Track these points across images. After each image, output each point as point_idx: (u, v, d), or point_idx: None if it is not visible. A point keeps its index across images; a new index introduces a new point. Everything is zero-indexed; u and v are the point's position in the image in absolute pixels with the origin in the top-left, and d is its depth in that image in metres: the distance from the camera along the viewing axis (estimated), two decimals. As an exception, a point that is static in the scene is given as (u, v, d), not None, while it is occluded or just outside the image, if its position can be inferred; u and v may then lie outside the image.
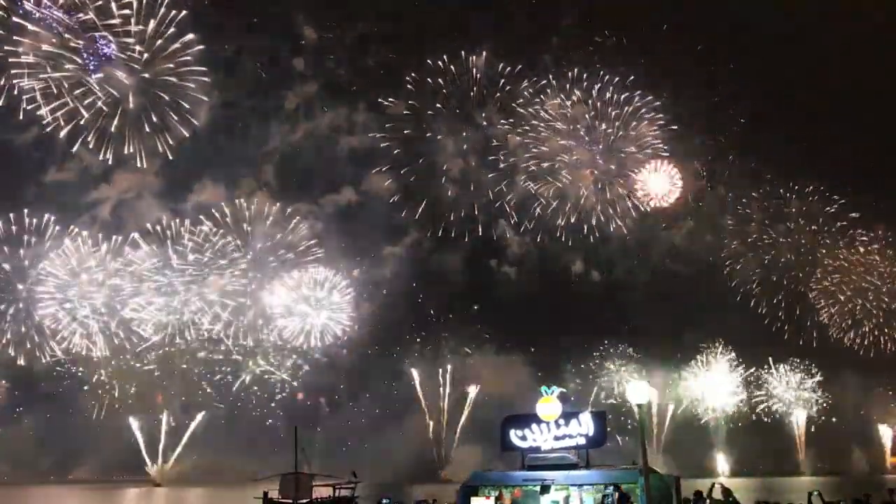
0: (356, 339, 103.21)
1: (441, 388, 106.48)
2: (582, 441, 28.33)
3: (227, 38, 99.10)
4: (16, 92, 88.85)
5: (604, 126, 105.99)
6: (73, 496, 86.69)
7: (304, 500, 44.81)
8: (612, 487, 25.63)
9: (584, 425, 28.36)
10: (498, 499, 27.61)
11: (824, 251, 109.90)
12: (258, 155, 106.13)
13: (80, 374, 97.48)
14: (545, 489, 26.62)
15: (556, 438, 28.54)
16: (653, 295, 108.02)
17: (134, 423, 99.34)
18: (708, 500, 25.36)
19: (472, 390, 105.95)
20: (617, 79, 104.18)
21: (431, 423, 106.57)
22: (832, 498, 25.31)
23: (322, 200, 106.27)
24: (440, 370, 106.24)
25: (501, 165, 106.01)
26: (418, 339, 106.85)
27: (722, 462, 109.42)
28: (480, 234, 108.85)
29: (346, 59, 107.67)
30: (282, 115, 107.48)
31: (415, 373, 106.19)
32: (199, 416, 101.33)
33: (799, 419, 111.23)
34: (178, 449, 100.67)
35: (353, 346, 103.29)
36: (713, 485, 25.70)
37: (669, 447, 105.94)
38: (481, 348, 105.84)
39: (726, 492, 25.13)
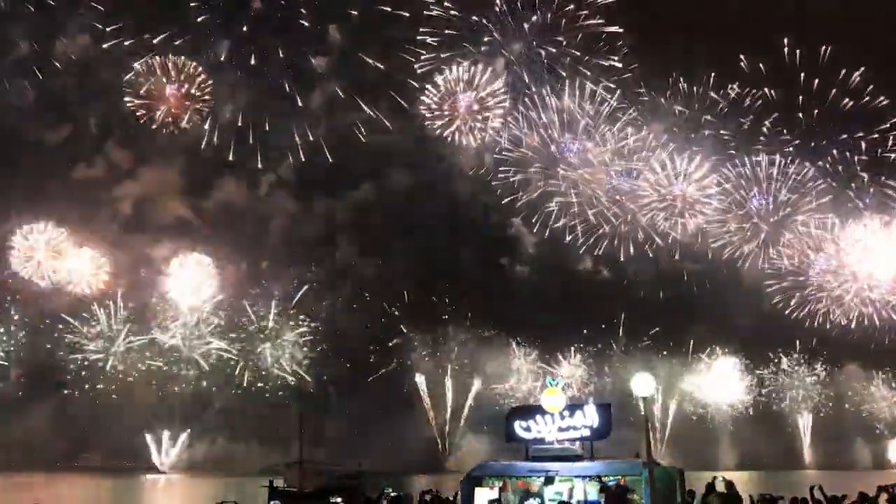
0: (364, 329, 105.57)
1: (447, 381, 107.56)
2: (587, 433, 28.40)
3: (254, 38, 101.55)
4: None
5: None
6: (77, 484, 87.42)
7: (310, 489, 45.14)
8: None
9: (589, 417, 28.43)
10: (502, 489, 27.70)
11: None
12: (278, 152, 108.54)
13: (89, 363, 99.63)
14: (549, 480, 26.67)
15: (561, 430, 28.61)
16: (660, 291, 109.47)
17: (142, 411, 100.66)
18: (712, 494, 25.47)
19: (476, 383, 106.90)
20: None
21: (437, 415, 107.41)
22: (836, 492, 25.37)
23: (341, 196, 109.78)
24: (446, 363, 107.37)
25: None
26: (427, 332, 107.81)
27: (726, 455, 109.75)
28: (494, 231, 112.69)
29: (370, 62, 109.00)
30: (304, 113, 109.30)
31: (420, 365, 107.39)
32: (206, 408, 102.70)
33: (803, 413, 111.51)
34: (184, 437, 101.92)
35: (362, 335, 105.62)
36: (715, 478, 25.81)
37: (673, 440, 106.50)
38: (490, 341, 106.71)
39: (729, 485, 25.25)
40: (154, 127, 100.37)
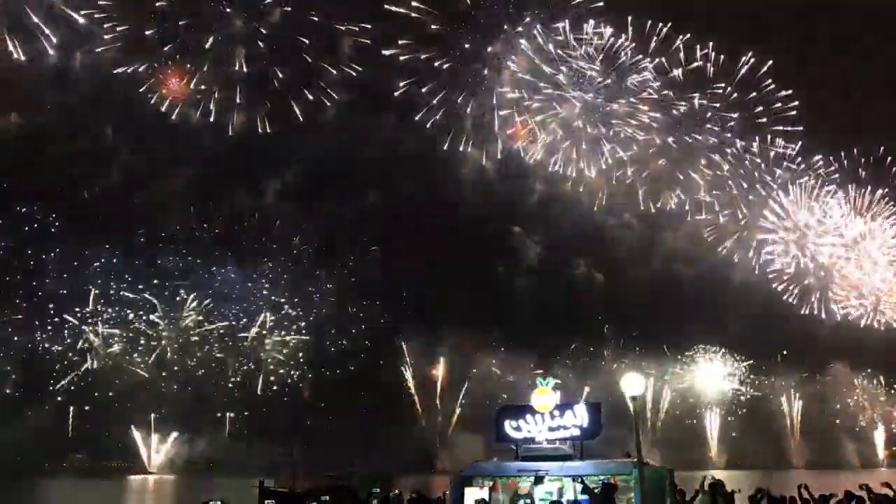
0: (361, 331, 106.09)
1: (438, 382, 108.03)
2: (576, 432, 28.41)
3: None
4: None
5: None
6: (65, 486, 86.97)
7: (300, 490, 45.08)
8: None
9: (579, 416, 28.44)
10: (492, 490, 27.65)
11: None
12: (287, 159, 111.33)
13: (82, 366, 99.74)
14: (539, 480, 26.65)
15: (551, 429, 28.60)
16: (654, 294, 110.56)
17: (130, 413, 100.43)
18: (700, 495, 25.49)
19: (467, 383, 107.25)
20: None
21: (427, 416, 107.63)
22: (823, 491, 25.49)
23: (348, 202, 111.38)
24: (439, 364, 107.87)
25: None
26: (422, 334, 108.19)
27: (715, 455, 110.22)
28: (493, 237, 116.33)
29: (381, 73, 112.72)
30: (315, 122, 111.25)
31: (410, 367, 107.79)
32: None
33: (792, 412, 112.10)
34: (173, 437, 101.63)
35: (357, 337, 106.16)
36: (704, 478, 25.84)
37: (664, 439, 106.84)
38: (484, 343, 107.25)
39: (718, 483, 25.30)
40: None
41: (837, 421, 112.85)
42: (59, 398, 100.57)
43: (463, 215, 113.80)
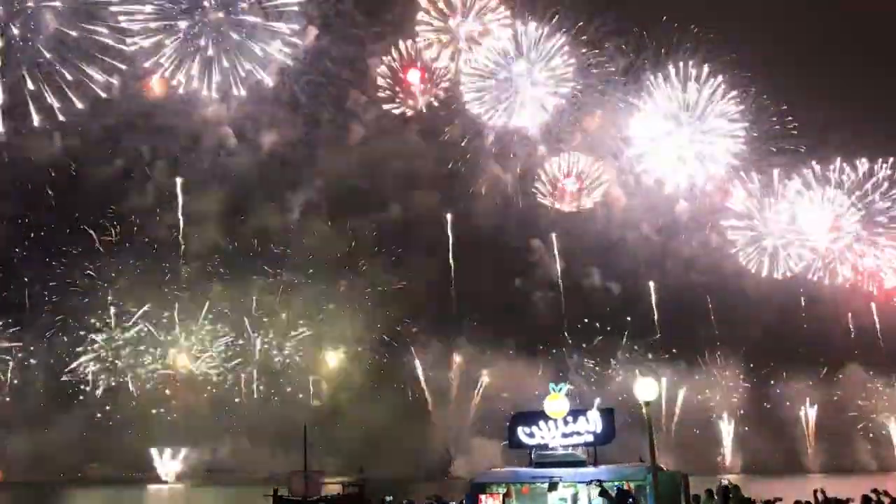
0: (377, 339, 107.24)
1: (451, 388, 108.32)
2: (590, 438, 28.45)
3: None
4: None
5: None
6: (82, 496, 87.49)
7: (314, 498, 45.27)
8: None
9: (592, 422, 28.48)
10: (506, 496, 27.70)
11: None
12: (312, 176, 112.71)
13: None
14: (553, 486, 26.68)
15: (564, 435, 28.67)
16: (668, 302, 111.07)
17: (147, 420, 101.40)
18: (717, 497, 25.46)
19: (481, 386, 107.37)
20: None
21: (442, 422, 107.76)
22: (840, 495, 25.40)
23: (371, 217, 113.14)
24: (452, 371, 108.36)
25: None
26: (438, 343, 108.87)
27: (730, 459, 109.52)
28: (511, 251, 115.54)
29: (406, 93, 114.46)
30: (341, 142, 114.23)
31: (423, 371, 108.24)
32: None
33: (807, 416, 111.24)
34: (190, 447, 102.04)
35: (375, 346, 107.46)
36: (720, 482, 25.83)
37: (678, 444, 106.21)
38: (498, 351, 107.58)
39: (734, 488, 25.30)
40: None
41: (853, 423, 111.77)
42: (79, 410, 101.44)
43: (483, 228, 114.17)
